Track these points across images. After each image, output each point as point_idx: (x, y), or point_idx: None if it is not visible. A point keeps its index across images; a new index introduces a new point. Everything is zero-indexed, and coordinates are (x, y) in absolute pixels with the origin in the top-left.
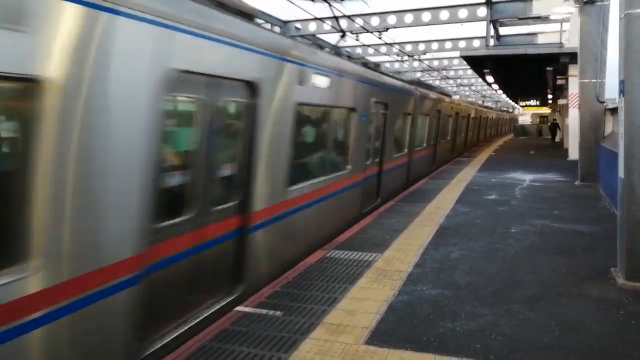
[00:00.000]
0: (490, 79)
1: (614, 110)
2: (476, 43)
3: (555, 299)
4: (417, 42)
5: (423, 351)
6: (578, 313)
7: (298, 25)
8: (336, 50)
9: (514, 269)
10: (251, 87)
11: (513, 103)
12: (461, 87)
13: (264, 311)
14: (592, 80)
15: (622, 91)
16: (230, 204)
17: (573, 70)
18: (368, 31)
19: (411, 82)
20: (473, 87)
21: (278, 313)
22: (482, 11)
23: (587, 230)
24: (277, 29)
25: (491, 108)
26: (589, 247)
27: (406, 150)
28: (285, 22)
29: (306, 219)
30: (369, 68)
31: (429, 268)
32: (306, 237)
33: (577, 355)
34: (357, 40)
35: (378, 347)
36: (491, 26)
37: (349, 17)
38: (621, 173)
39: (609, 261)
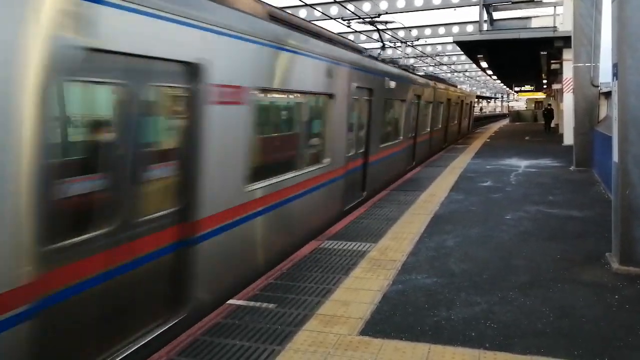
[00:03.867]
0: (484, 64)
1: (608, 94)
2: (469, 28)
3: (549, 285)
4: (410, 28)
5: (418, 341)
6: (572, 298)
7: (289, 12)
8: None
9: (508, 256)
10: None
11: (507, 88)
12: (455, 74)
13: (257, 304)
14: (586, 64)
15: (615, 74)
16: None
17: (567, 54)
18: (360, 17)
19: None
20: (467, 73)
21: (271, 305)
22: None
23: (582, 215)
24: None
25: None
26: (584, 233)
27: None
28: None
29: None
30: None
31: (424, 257)
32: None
33: (572, 340)
34: (348, 27)
35: (372, 337)
36: (484, 10)
37: (340, 3)
38: (615, 157)
39: (603, 246)
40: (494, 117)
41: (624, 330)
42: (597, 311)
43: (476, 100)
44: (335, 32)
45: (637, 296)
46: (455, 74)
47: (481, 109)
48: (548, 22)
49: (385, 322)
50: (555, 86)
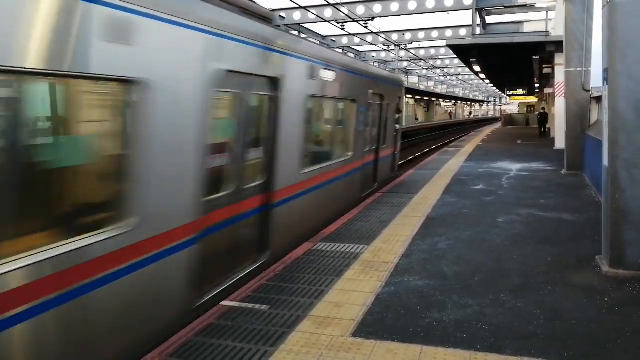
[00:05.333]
0: (477, 68)
1: (599, 99)
2: (463, 32)
3: (540, 288)
4: (404, 31)
5: (410, 342)
6: (563, 301)
7: (282, 14)
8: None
9: (500, 259)
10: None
11: (500, 92)
12: (448, 77)
13: (250, 305)
14: (578, 69)
15: (605, 79)
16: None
17: (559, 59)
18: (354, 20)
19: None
20: (460, 77)
21: (264, 307)
22: None
23: (573, 218)
24: None
25: None
26: (575, 236)
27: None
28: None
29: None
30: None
31: (416, 259)
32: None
33: (562, 342)
34: (342, 29)
35: (365, 339)
36: (477, 15)
37: (334, 5)
38: (605, 161)
39: (593, 249)
40: (486, 121)
41: (614, 333)
42: (587, 314)
43: (403, 98)
44: (329, 34)
45: (627, 299)
46: (449, 77)
47: (471, 112)
48: (540, 27)
49: (377, 324)
50: (547, 90)
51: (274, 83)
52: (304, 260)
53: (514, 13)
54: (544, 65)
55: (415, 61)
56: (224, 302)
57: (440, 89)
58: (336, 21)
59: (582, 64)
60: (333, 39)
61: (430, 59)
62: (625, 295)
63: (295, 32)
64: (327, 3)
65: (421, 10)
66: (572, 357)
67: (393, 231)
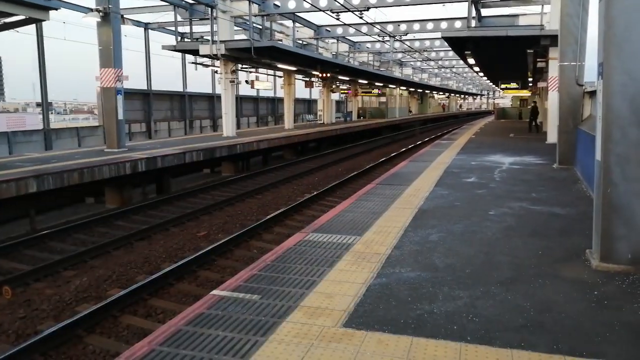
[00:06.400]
0: (471, 61)
1: (592, 94)
2: (458, 24)
3: (531, 281)
4: (399, 22)
5: (400, 333)
6: (553, 294)
7: (277, 2)
8: None
9: (491, 251)
10: None
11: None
12: (442, 69)
13: (241, 295)
14: (572, 63)
15: (600, 74)
16: None
17: (553, 53)
18: (349, 10)
19: None
20: (454, 70)
21: (255, 297)
22: None
23: (564, 212)
24: (255, 6)
25: None
26: (565, 230)
27: None
28: (264, 0)
29: None
30: None
31: (408, 250)
32: None
33: (552, 334)
34: (337, 19)
35: (356, 329)
36: (473, 7)
37: None
38: (598, 156)
39: (584, 243)
40: (480, 114)
41: (603, 326)
42: (577, 307)
43: None
44: (324, 24)
45: (616, 293)
46: (443, 69)
47: (460, 105)
48: (535, 21)
49: (368, 315)
50: (540, 84)
51: None
52: (295, 250)
53: (509, 6)
54: (538, 59)
55: (410, 53)
56: (214, 292)
57: (434, 81)
58: (331, 11)
59: (577, 58)
60: (328, 28)
61: (424, 50)
62: (615, 289)
63: (289, 22)
64: None
65: (417, 2)
66: (561, 349)
67: (385, 222)
